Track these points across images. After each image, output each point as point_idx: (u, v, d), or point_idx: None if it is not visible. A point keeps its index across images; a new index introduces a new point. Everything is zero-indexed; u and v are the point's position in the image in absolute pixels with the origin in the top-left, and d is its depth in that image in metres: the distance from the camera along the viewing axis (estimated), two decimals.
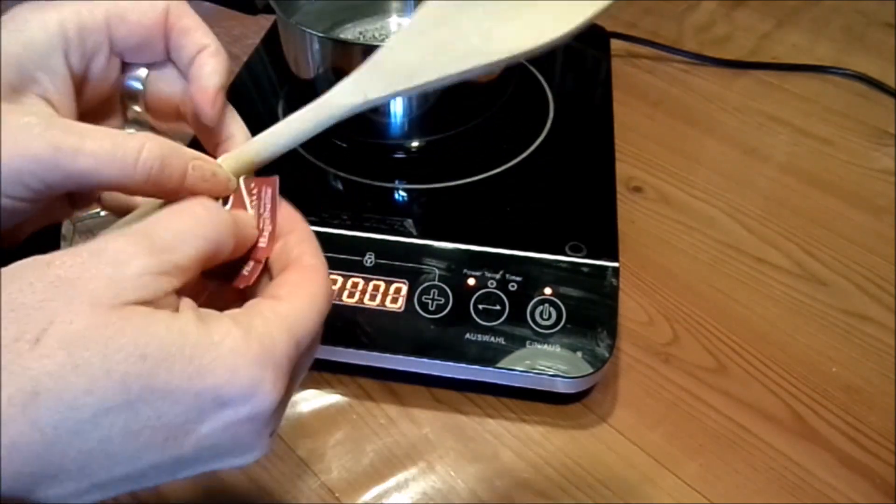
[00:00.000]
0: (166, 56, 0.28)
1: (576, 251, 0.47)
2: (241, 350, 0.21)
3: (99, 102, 0.29)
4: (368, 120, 0.54)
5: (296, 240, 0.26)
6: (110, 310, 0.20)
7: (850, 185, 0.64)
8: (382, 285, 0.46)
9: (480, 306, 0.45)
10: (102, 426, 0.19)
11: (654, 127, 0.70)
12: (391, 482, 0.43)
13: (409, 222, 0.49)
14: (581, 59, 0.70)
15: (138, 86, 0.29)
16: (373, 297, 0.45)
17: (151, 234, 0.22)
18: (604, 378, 0.48)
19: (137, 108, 0.30)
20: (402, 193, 0.53)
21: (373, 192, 0.52)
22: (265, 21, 0.66)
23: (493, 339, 0.44)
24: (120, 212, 0.29)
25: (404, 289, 0.46)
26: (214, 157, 0.27)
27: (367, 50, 0.51)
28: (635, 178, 0.64)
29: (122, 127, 0.31)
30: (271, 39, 0.66)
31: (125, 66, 0.29)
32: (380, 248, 0.47)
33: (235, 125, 0.29)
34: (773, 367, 0.50)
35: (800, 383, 0.49)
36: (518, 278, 0.46)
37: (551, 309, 0.45)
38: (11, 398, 0.18)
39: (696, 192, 0.63)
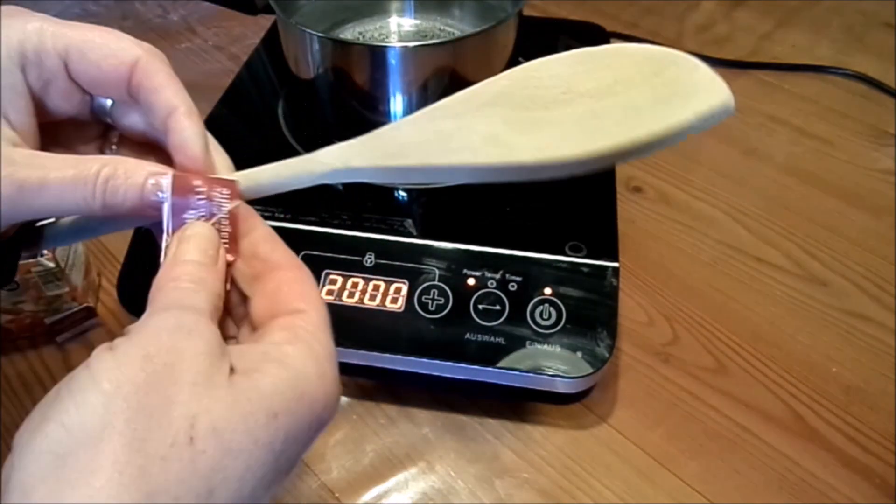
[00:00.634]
0: (129, 99, 0.27)
1: (576, 251, 0.47)
2: (319, 373, 0.22)
3: (69, 118, 0.28)
4: (369, 119, 0.54)
5: (263, 241, 0.26)
6: (228, 386, 0.20)
7: (850, 185, 0.64)
8: (382, 285, 0.46)
9: (480, 306, 0.45)
10: (258, 491, 0.20)
11: None
12: (391, 482, 0.43)
13: (409, 222, 0.49)
14: None
15: (106, 105, 0.28)
16: (373, 297, 0.45)
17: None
18: (604, 378, 0.48)
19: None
20: (402, 193, 0.53)
21: (373, 192, 0.52)
22: (265, 21, 0.66)
23: (493, 339, 0.44)
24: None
25: (404, 289, 0.45)
26: None
27: (367, 50, 0.51)
28: (635, 178, 0.64)
29: (99, 139, 0.30)
30: (271, 39, 0.66)
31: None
32: (380, 248, 0.47)
33: (220, 160, 0.28)
34: (773, 367, 0.50)
35: (800, 383, 0.49)
36: (518, 278, 0.46)
37: (551, 309, 0.45)
38: None
39: (696, 192, 0.63)
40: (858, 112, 0.72)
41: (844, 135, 0.69)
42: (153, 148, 0.29)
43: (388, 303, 0.45)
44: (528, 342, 0.44)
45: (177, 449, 0.18)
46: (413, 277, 0.46)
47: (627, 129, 0.24)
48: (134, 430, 0.18)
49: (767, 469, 0.44)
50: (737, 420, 0.47)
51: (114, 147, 0.30)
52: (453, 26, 0.63)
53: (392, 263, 0.46)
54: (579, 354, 0.43)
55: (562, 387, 0.44)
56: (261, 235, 0.26)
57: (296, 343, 0.23)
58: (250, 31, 0.83)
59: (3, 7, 0.25)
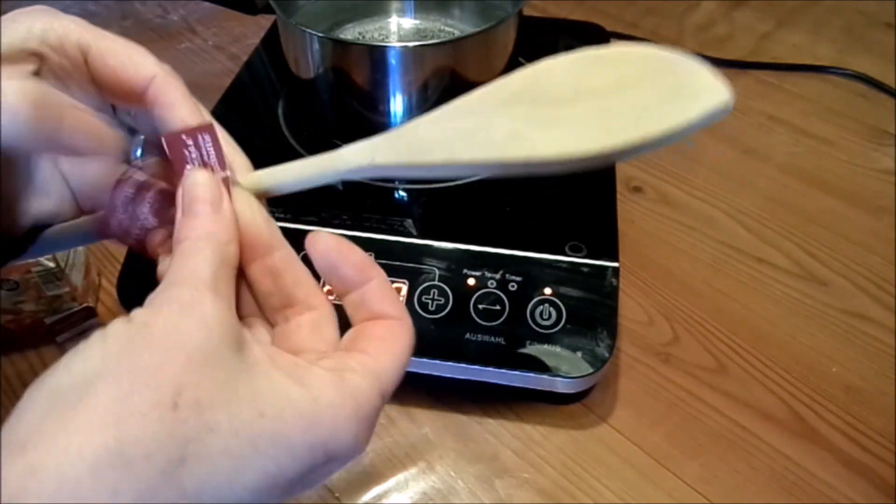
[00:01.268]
0: (143, 110, 0.28)
1: (576, 251, 0.47)
2: (338, 404, 0.22)
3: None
4: (369, 119, 0.54)
5: (376, 290, 0.27)
6: (223, 368, 0.21)
7: (850, 185, 0.64)
8: None
9: (480, 306, 0.45)
10: (236, 486, 0.20)
11: None
12: (391, 482, 0.43)
13: (409, 222, 0.49)
14: None
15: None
16: None
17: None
18: (604, 378, 0.48)
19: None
20: (402, 193, 0.53)
21: (373, 192, 0.52)
22: (265, 21, 0.66)
23: (493, 339, 0.44)
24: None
25: (404, 289, 0.46)
26: None
27: (367, 50, 0.51)
28: (635, 178, 0.64)
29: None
30: (271, 39, 0.66)
31: None
32: (380, 248, 0.47)
33: (238, 160, 0.28)
34: (773, 367, 0.50)
35: (800, 383, 0.49)
36: (518, 278, 0.46)
37: (551, 309, 0.45)
38: (164, 469, 0.19)
39: (696, 192, 0.63)
40: (858, 112, 0.72)
41: (844, 135, 0.69)
42: None
43: None
44: (528, 342, 0.44)
45: (159, 410, 0.19)
46: (413, 277, 0.46)
47: (639, 125, 0.26)
48: (121, 384, 0.19)
49: (767, 469, 0.44)
50: (737, 420, 0.47)
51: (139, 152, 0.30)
52: (453, 26, 0.63)
53: (392, 263, 0.46)
54: (579, 354, 0.43)
55: (562, 387, 0.44)
56: (375, 285, 0.27)
57: (332, 374, 0.23)
58: (250, 31, 0.83)
59: (36, 7, 0.26)
